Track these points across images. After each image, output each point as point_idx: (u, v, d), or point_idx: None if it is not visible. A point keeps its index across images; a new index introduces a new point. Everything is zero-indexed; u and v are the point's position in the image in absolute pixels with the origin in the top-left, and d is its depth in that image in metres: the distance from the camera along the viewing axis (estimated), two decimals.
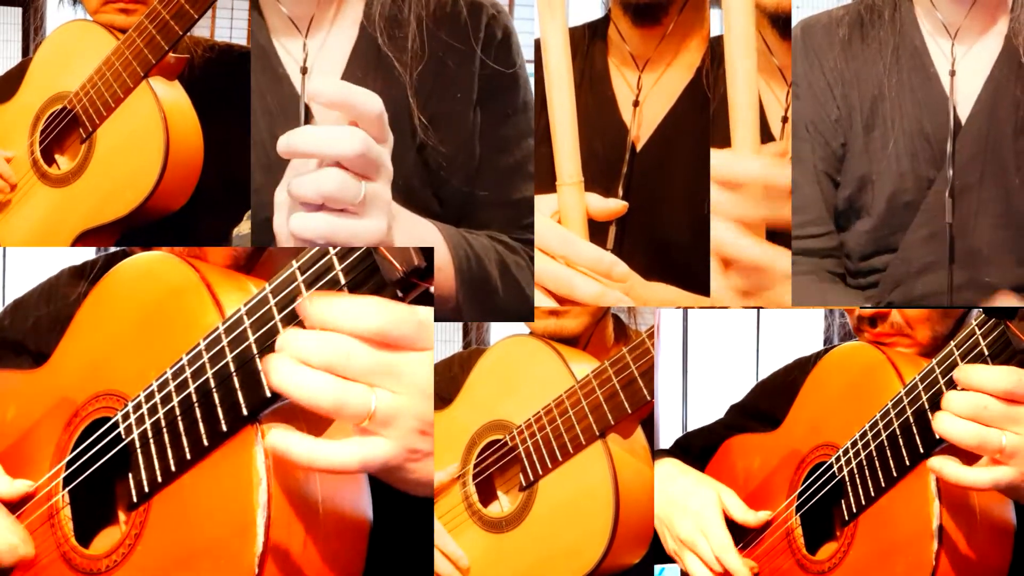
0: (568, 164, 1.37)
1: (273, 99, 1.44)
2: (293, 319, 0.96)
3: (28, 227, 1.52)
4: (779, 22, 1.47)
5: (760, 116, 1.39)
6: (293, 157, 1.10)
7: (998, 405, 1.14)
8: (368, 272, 0.95)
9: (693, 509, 1.47)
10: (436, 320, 1.34)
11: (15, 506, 1.12)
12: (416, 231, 1.31)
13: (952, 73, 1.42)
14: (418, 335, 0.95)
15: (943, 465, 1.20)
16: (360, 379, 0.93)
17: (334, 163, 1.09)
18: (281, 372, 0.94)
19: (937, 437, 1.18)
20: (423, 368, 0.95)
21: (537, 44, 1.41)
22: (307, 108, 1.40)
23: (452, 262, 1.36)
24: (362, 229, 1.11)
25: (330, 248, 0.97)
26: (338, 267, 0.96)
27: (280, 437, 0.95)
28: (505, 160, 1.46)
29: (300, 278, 0.97)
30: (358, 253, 0.95)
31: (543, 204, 1.41)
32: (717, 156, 1.37)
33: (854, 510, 1.32)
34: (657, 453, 1.55)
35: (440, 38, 1.43)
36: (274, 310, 0.98)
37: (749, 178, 1.36)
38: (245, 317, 0.99)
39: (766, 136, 1.43)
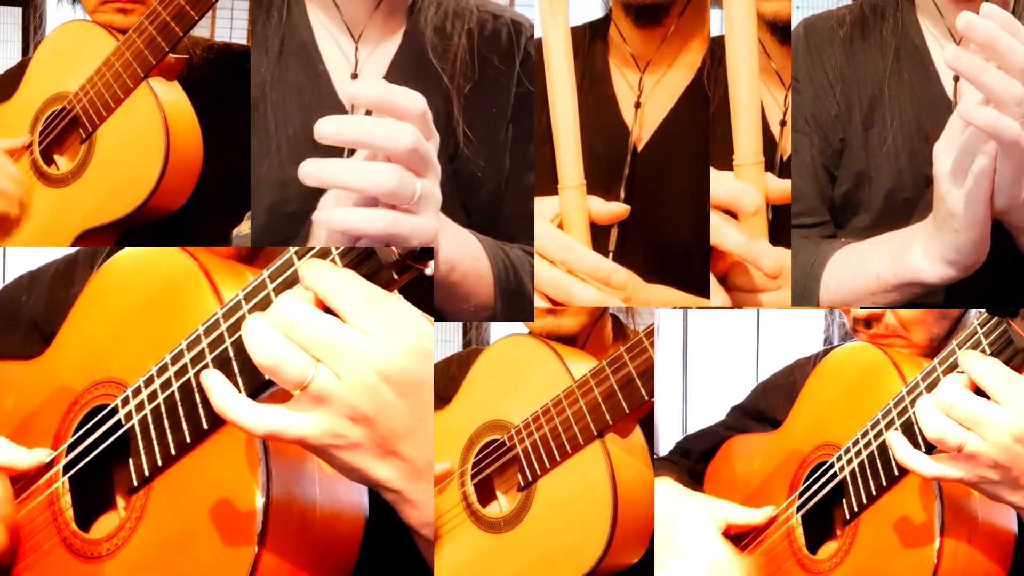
0: (570, 167, 1.37)
1: (312, 97, 1.43)
2: None
3: (27, 227, 1.52)
4: (777, 29, 1.48)
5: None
6: (338, 144, 1.07)
7: (975, 405, 1.14)
8: (364, 255, 0.95)
9: (687, 527, 1.47)
10: (436, 320, 1.35)
11: (20, 490, 1.12)
12: (459, 238, 1.30)
13: (957, 78, 1.42)
14: (372, 316, 0.93)
15: (897, 442, 1.21)
16: (306, 346, 0.92)
17: (384, 158, 1.07)
18: (247, 322, 0.94)
19: None
20: (368, 362, 0.93)
21: (538, 44, 1.41)
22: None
23: (492, 272, 1.35)
24: (419, 226, 1.09)
25: None
26: (335, 251, 0.96)
27: (210, 378, 0.96)
28: (532, 177, 1.45)
29: (298, 263, 0.97)
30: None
31: (543, 207, 1.41)
32: (719, 179, 1.37)
33: (855, 510, 1.32)
34: (656, 463, 1.54)
35: (483, 52, 1.44)
36: (272, 295, 0.98)
37: (752, 210, 1.36)
38: (243, 302, 0.99)
39: (767, 141, 1.43)
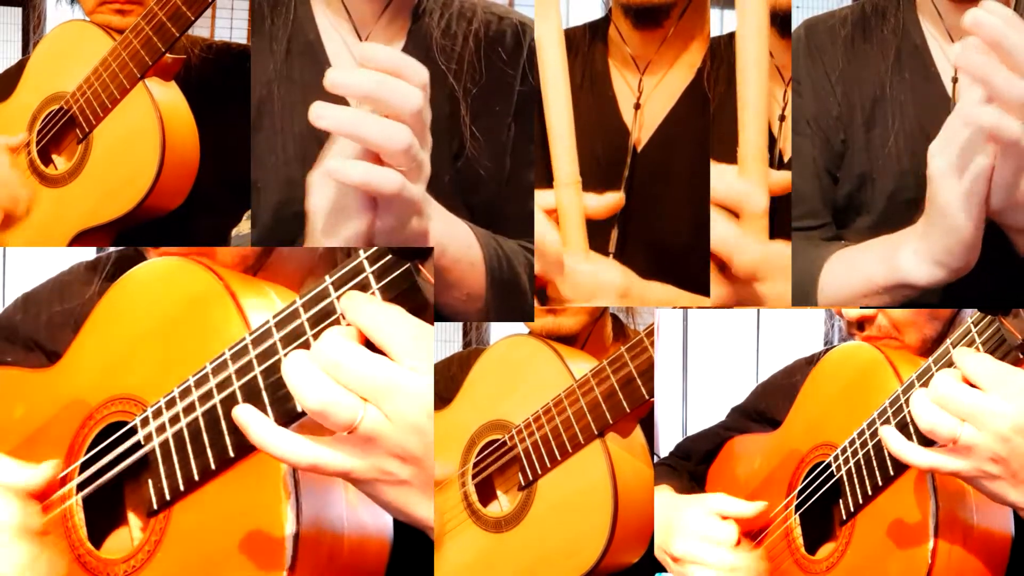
0: (565, 165, 1.37)
1: (317, 96, 1.43)
2: None
3: (24, 227, 1.52)
4: (777, 20, 1.47)
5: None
6: (348, 93, 1.07)
7: (970, 397, 1.13)
8: (408, 295, 0.93)
9: (684, 524, 1.46)
10: (437, 320, 1.35)
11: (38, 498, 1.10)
12: (450, 226, 1.30)
13: (955, 80, 1.42)
14: (421, 355, 0.92)
15: (890, 435, 1.20)
16: (354, 388, 0.91)
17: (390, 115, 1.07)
18: (288, 360, 0.92)
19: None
20: (418, 403, 0.92)
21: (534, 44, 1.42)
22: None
23: (483, 260, 1.35)
24: (417, 195, 1.10)
25: (366, 265, 0.94)
26: (375, 286, 0.93)
27: (245, 413, 0.93)
28: (532, 176, 1.45)
29: (334, 294, 0.94)
30: (398, 273, 0.93)
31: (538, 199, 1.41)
32: (723, 175, 1.37)
33: (852, 509, 1.32)
34: (656, 469, 1.54)
35: (489, 53, 1.44)
36: (306, 325, 0.95)
37: (754, 211, 1.37)
38: (274, 330, 0.97)
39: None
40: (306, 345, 0.95)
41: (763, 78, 1.35)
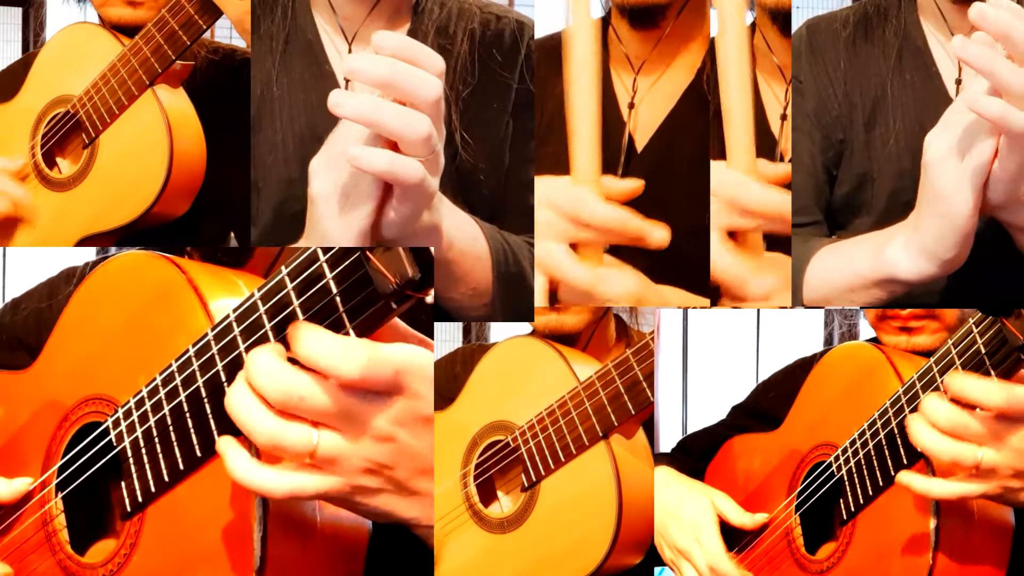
0: (584, 159, 1.37)
1: (318, 96, 1.43)
2: (283, 327, 0.93)
3: (28, 230, 1.52)
4: (779, 19, 1.48)
5: (759, 114, 1.40)
6: (366, 81, 1.05)
7: (980, 424, 1.14)
8: (361, 282, 0.91)
9: (687, 518, 1.47)
10: (441, 319, 1.35)
11: (12, 509, 1.10)
12: (457, 220, 1.30)
13: (958, 81, 1.42)
14: (396, 384, 0.91)
15: (911, 480, 1.21)
16: (312, 419, 0.90)
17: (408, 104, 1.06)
18: (232, 396, 0.91)
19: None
20: (391, 413, 0.92)
21: (541, 44, 1.42)
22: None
23: (489, 254, 1.35)
24: (433, 186, 1.10)
25: (320, 253, 0.93)
26: (329, 275, 0.92)
27: (224, 446, 0.93)
28: (531, 173, 1.45)
29: (290, 285, 0.93)
30: (349, 261, 0.91)
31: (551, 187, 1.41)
32: (722, 174, 1.37)
33: (852, 509, 1.32)
34: (656, 457, 1.55)
35: (484, 54, 1.44)
36: (264, 318, 0.94)
37: (755, 208, 1.36)
38: (235, 324, 0.96)
39: (767, 136, 1.43)
40: (265, 337, 0.94)
41: (745, 73, 1.35)
